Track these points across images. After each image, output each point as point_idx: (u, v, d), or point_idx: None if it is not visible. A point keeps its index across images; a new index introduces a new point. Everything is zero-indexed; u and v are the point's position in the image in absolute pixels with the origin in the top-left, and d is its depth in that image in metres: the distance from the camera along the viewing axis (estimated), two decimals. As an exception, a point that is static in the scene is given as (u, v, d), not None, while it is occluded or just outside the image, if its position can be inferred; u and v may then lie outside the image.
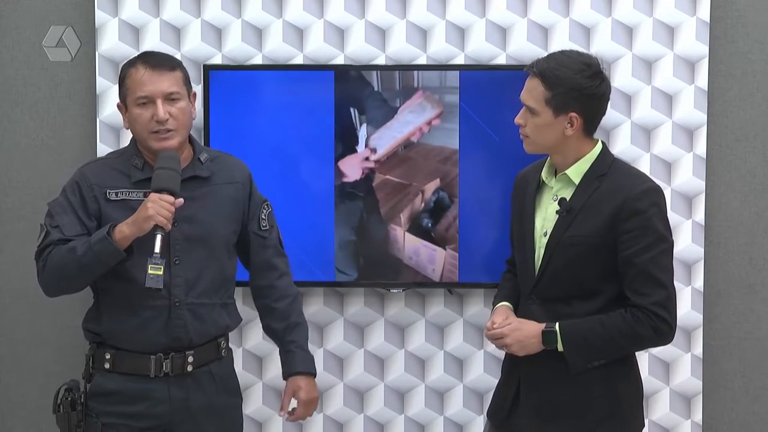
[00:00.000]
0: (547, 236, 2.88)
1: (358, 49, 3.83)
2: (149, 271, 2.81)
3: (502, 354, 2.98)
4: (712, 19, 3.80)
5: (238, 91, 3.78)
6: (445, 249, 3.77)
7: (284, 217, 3.56)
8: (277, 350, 3.88)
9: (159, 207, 2.83)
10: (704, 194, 3.83)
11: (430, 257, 3.78)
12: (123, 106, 3.01)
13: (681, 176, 3.82)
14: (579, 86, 2.79)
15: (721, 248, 3.90)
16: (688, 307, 3.83)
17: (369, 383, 3.92)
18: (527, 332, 2.87)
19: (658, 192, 2.84)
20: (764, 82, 3.86)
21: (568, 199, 2.86)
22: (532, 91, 2.83)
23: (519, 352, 2.88)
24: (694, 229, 3.83)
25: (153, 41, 3.83)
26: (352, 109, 3.74)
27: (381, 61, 3.83)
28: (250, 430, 3.87)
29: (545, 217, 2.91)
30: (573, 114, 2.81)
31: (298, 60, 3.84)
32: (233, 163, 3.18)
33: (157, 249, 2.82)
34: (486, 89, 3.76)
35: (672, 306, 2.81)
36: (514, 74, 3.61)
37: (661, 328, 2.80)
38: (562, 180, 2.89)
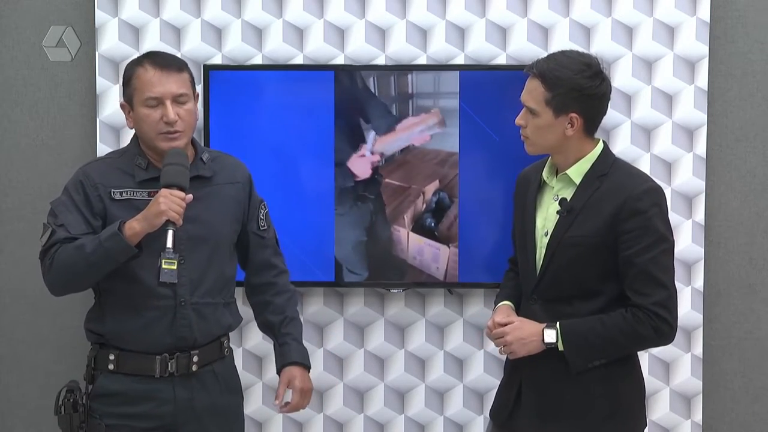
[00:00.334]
0: (548, 236, 2.88)
1: (358, 49, 3.83)
2: (163, 266, 2.80)
3: (502, 354, 2.98)
4: (712, 19, 3.80)
5: (238, 91, 3.78)
6: (449, 247, 3.77)
7: (284, 217, 3.57)
8: (277, 350, 3.88)
9: (170, 202, 2.83)
10: (704, 194, 3.83)
11: (434, 256, 3.78)
12: (127, 105, 3.00)
13: (681, 176, 3.82)
14: (579, 86, 2.79)
15: (721, 248, 3.90)
16: (688, 307, 3.83)
17: (369, 383, 3.92)
18: (528, 331, 2.87)
19: (658, 192, 2.85)
20: (764, 82, 3.86)
21: (568, 199, 2.86)
22: (533, 92, 2.83)
23: (520, 351, 2.88)
24: (694, 229, 3.83)
25: (153, 41, 3.83)
26: (360, 120, 3.74)
27: (381, 61, 3.83)
28: (250, 430, 3.87)
29: (546, 217, 2.91)
30: (573, 114, 2.81)
31: (298, 60, 3.84)
32: (234, 163, 3.19)
33: (169, 244, 2.81)
34: (486, 89, 3.76)
35: (673, 306, 2.81)
36: (514, 74, 3.61)
37: (662, 328, 2.80)
38: (562, 180, 2.89)
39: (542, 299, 2.90)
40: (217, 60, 3.84)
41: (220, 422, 3.08)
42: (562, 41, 3.79)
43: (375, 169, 3.77)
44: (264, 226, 3.19)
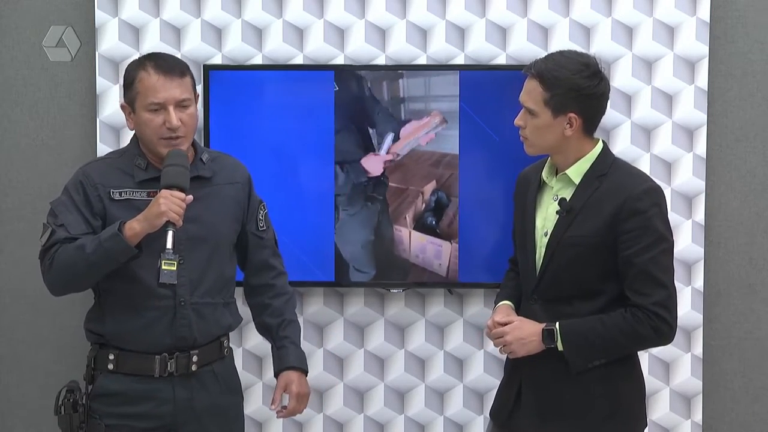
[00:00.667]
0: (548, 236, 2.88)
1: (358, 49, 3.83)
2: (163, 267, 2.80)
3: (502, 354, 2.98)
4: (712, 19, 3.80)
5: (238, 91, 3.78)
6: (451, 243, 3.78)
7: (284, 217, 3.57)
8: (276, 350, 3.88)
9: (171, 203, 2.83)
10: (704, 194, 3.83)
11: (437, 252, 3.79)
12: (128, 106, 3.00)
13: (681, 176, 3.82)
14: (577, 86, 2.79)
15: (721, 248, 3.90)
16: (688, 307, 3.83)
17: (369, 383, 3.92)
18: (528, 331, 2.87)
19: (658, 192, 2.85)
20: (764, 82, 3.86)
21: (568, 199, 2.86)
22: (531, 93, 2.83)
23: (519, 351, 2.88)
24: (694, 229, 3.83)
25: (153, 41, 3.83)
26: (365, 122, 3.76)
27: (381, 61, 3.83)
28: (250, 430, 3.87)
29: (546, 217, 2.91)
30: (572, 114, 2.81)
31: (298, 60, 3.84)
32: (233, 164, 3.19)
33: (169, 245, 2.81)
34: (486, 89, 3.76)
35: (672, 306, 2.81)
36: (514, 74, 3.59)
37: (661, 328, 2.80)
38: (562, 180, 2.89)
39: (542, 299, 2.90)
40: (217, 60, 3.84)
41: (220, 422, 3.08)
42: (562, 41, 3.79)
43: (384, 169, 3.78)
44: (263, 226, 3.19)
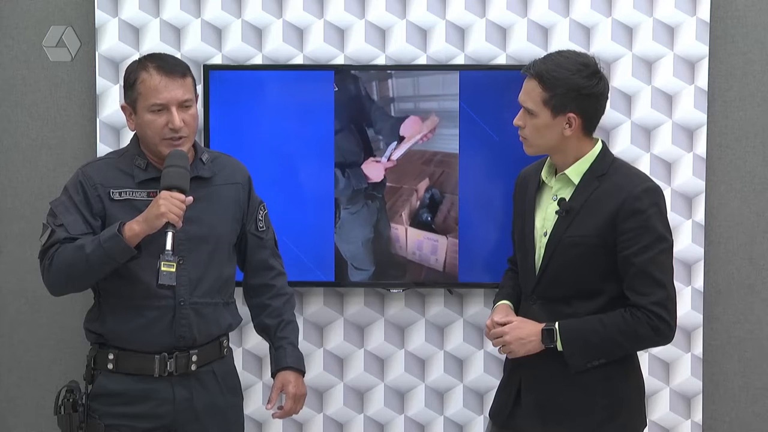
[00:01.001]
0: (547, 236, 2.88)
1: (358, 49, 3.83)
2: (162, 268, 2.79)
3: (502, 354, 2.98)
4: (712, 19, 3.80)
5: (238, 91, 3.78)
6: (447, 237, 3.78)
7: (284, 217, 3.57)
8: (277, 350, 3.88)
9: (171, 204, 2.83)
10: (704, 194, 3.83)
11: (433, 248, 3.79)
12: (129, 107, 3.00)
13: (681, 176, 3.82)
14: (577, 86, 2.79)
15: (721, 248, 3.90)
16: (688, 307, 3.83)
17: (369, 383, 3.92)
18: (527, 331, 2.87)
19: (657, 192, 2.84)
20: (764, 82, 3.86)
21: (567, 199, 2.86)
22: (530, 93, 2.83)
23: (518, 350, 2.88)
24: (694, 229, 3.83)
25: (153, 41, 3.83)
26: (364, 124, 3.76)
27: (381, 61, 3.83)
28: (250, 430, 3.87)
29: (545, 217, 2.91)
30: (571, 114, 2.81)
31: (298, 60, 3.84)
32: (233, 164, 3.19)
33: (168, 246, 2.81)
34: (486, 89, 3.76)
35: (671, 306, 2.81)
36: (514, 74, 3.59)
37: (661, 327, 2.80)
38: (561, 180, 2.89)
39: (542, 299, 2.90)
40: (217, 60, 3.84)
41: (220, 422, 3.08)
42: (562, 41, 3.79)
43: (385, 175, 3.79)
44: (262, 227, 3.19)
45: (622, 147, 3.79)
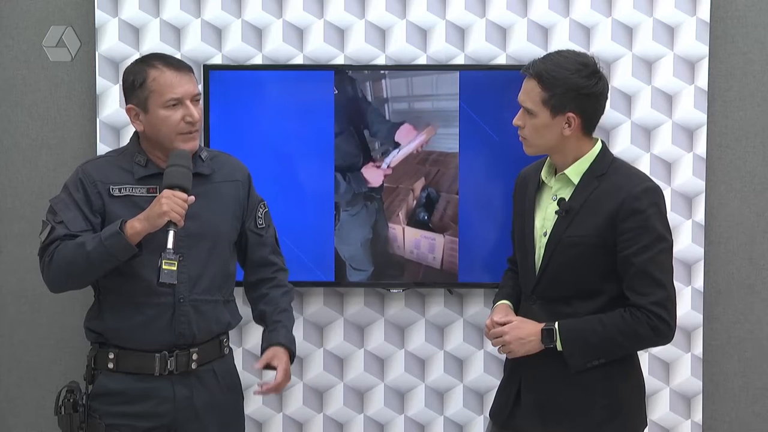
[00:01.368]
0: (547, 236, 2.88)
1: (358, 49, 3.83)
2: (163, 267, 2.80)
3: (502, 354, 2.98)
4: (712, 19, 3.80)
5: (238, 91, 3.78)
6: (444, 236, 3.78)
7: (284, 217, 3.57)
8: (277, 350, 3.87)
9: (173, 203, 2.84)
10: (704, 194, 3.83)
11: (430, 246, 3.79)
12: (136, 108, 2.98)
13: (681, 176, 3.82)
14: (576, 86, 2.79)
15: (721, 248, 3.90)
16: (688, 307, 3.83)
17: (369, 383, 3.92)
18: (527, 331, 2.87)
19: (657, 192, 2.84)
20: (764, 82, 3.86)
21: (567, 199, 2.86)
22: (530, 93, 2.83)
23: (518, 350, 2.88)
24: (694, 229, 3.83)
25: (153, 41, 3.84)
26: (362, 127, 3.77)
27: (381, 61, 3.83)
28: (250, 430, 3.87)
29: (545, 217, 2.91)
30: (570, 114, 2.81)
31: (298, 60, 3.84)
32: (233, 162, 3.20)
33: (170, 245, 2.82)
34: (486, 89, 3.76)
35: (671, 306, 2.81)
36: (514, 74, 3.59)
37: (660, 327, 2.80)
38: (561, 180, 2.89)
39: (541, 299, 2.90)
40: (217, 60, 3.84)
41: (220, 421, 3.08)
42: (562, 41, 3.79)
43: (384, 179, 3.80)
44: (262, 224, 3.19)
45: (622, 147, 3.79)
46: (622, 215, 2.79)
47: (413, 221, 3.80)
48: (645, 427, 2.96)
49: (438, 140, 3.77)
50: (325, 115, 3.78)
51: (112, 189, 2.98)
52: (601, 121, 2.89)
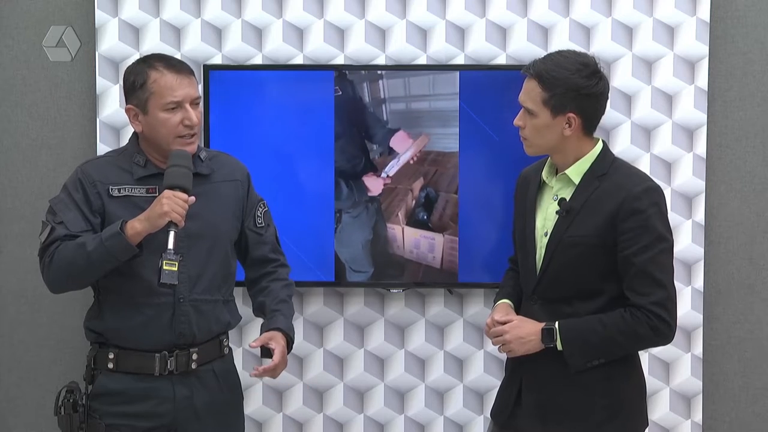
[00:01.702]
0: (548, 236, 2.88)
1: (358, 49, 3.83)
2: (164, 267, 2.80)
3: (502, 354, 2.98)
4: (712, 19, 3.80)
5: (238, 91, 3.78)
6: (443, 235, 3.78)
7: (284, 217, 3.57)
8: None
9: (173, 204, 2.84)
10: (704, 194, 3.83)
11: (430, 246, 3.80)
12: (135, 108, 2.98)
13: (681, 176, 3.82)
14: (576, 86, 2.79)
15: (721, 248, 3.90)
16: (688, 307, 3.83)
17: (369, 383, 3.92)
18: (527, 330, 2.87)
19: (657, 191, 2.84)
20: (764, 82, 3.86)
21: (567, 199, 2.86)
22: (530, 93, 2.83)
23: (518, 349, 2.88)
24: (694, 229, 3.83)
25: (153, 41, 3.83)
26: (362, 132, 3.77)
27: (381, 61, 3.83)
28: (250, 430, 3.87)
29: (546, 217, 2.91)
30: (571, 114, 2.81)
31: (298, 60, 3.84)
32: (232, 162, 3.20)
33: (171, 245, 2.82)
34: (486, 89, 3.76)
35: (671, 306, 2.81)
36: (514, 74, 3.59)
37: (660, 327, 2.80)
38: (562, 180, 2.89)
39: (542, 299, 2.90)
40: (217, 60, 3.84)
41: (220, 421, 3.08)
42: (562, 41, 3.79)
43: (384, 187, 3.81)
44: (261, 223, 3.19)
45: (622, 147, 3.79)
46: (622, 215, 2.79)
47: (412, 221, 3.80)
48: (646, 427, 2.96)
49: (436, 140, 3.77)
50: (325, 116, 3.78)
51: (112, 189, 2.98)
52: (601, 121, 2.89)
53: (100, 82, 3.86)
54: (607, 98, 2.87)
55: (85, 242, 2.88)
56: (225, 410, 3.10)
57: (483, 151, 3.77)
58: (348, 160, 3.79)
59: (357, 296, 3.90)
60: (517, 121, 2.88)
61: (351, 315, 3.91)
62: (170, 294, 2.97)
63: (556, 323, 2.84)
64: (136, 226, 2.86)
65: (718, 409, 3.94)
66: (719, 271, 3.90)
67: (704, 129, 3.82)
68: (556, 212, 2.87)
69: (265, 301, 3.17)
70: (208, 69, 3.78)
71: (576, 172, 2.87)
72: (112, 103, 3.85)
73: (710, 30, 3.80)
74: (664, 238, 2.82)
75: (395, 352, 3.91)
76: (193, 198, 2.89)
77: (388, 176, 3.79)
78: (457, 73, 3.77)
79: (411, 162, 3.77)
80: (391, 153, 3.78)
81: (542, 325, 2.85)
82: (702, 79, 3.80)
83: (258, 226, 3.18)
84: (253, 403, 3.90)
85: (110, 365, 3.00)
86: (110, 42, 3.85)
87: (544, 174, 2.94)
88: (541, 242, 2.90)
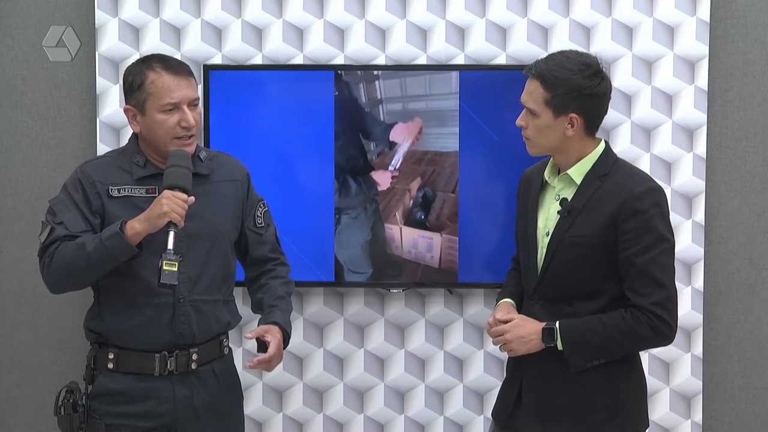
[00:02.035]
0: (549, 236, 2.88)
1: (358, 49, 3.83)
2: (164, 267, 2.80)
3: (502, 354, 2.98)
4: (712, 19, 3.80)
5: (238, 91, 3.78)
6: (441, 234, 3.78)
7: (284, 217, 3.57)
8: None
9: (173, 204, 2.84)
10: (704, 194, 3.83)
11: (428, 245, 3.79)
12: (133, 109, 2.98)
13: (681, 176, 3.82)
14: (578, 87, 2.79)
15: (721, 248, 3.90)
16: (688, 307, 3.83)
17: (369, 383, 3.92)
18: (528, 329, 2.87)
19: (659, 192, 2.84)
20: (764, 82, 3.86)
21: (569, 199, 2.86)
22: (532, 93, 2.83)
23: (519, 349, 2.88)
24: (694, 229, 3.83)
25: (153, 41, 3.83)
26: (360, 132, 3.77)
27: (381, 61, 3.83)
28: (250, 430, 3.87)
29: (547, 217, 2.91)
30: (573, 114, 2.81)
31: (298, 60, 3.84)
32: (232, 162, 3.20)
33: (170, 245, 2.82)
34: (486, 89, 3.76)
35: (672, 306, 2.81)
36: (514, 74, 3.61)
37: (660, 328, 2.80)
38: (564, 180, 2.89)
39: (543, 299, 2.90)
40: (217, 60, 3.84)
41: (220, 421, 3.08)
42: (562, 41, 3.79)
43: (392, 180, 3.81)
44: (261, 223, 3.20)
45: (622, 147, 3.79)
46: (623, 215, 2.79)
47: (410, 221, 3.80)
48: (647, 427, 2.96)
49: (434, 139, 3.77)
50: (325, 115, 3.77)
51: (111, 189, 2.99)
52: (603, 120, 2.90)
53: (100, 82, 3.85)
54: (610, 98, 2.87)
55: (84, 242, 2.88)
56: (225, 410, 3.11)
57: (483, 151, 3.77)
58: (348, 159, 3.79)
59: (357, 296, 3.90)
60: (520, 121, 2.89)
61: (351, 315, 3.91)
62: (170, 294, 2.97)
63: (557, 323, 2.84)
64: (136, 227, 2.86)
65: (718, 409, 3.94)
66: (719, 271, 3.90)
67: (704, 129, 3.82)
68: (558, 212, 2.87)
69: (263, 298, 3.16)
70: (208, 69, 3.77)
71: (578, 172, 2.87)
72: (112, 103, 3.85)
73: (710, 30, 3.80)
74: (666, 239, 2.82)
75: (395, 352, 3.91)
76: (192, 198, 2.89)
77: (395, 168, 3.78)
78: (457, 73, 3.77)
79: (414, 143, 3.75)
80: (393, 147, 3.77)
81: (543, 324, 2.85)
82: (702, 79, 3.80)
83: (258, 226, 3.19)
84: (253, 403, 3.90)
85: (110, 365, 3.00)
86: (110, 42, 3.85)
87: (546, 174, 2.94)
88: (543, 242, 2.90)
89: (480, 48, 3.83)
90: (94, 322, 3.04)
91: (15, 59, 3.94)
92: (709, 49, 3.81)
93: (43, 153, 3.94)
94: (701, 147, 3.82)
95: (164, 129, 2.95)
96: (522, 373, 2.94)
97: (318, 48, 3.84)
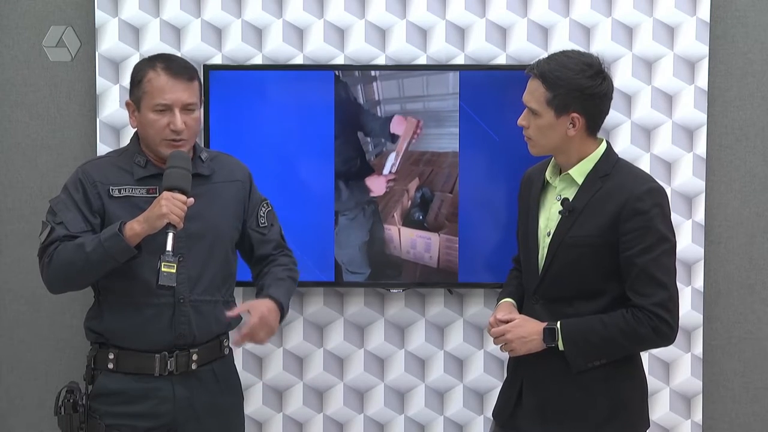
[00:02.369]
0: (551, 236, 2.88)
1: (358, 49, 3.83)
2: (162, 269, 2.80)
3: (502, 354, 2.98)
4: (712, 19, 3.80)
5: (238, 91, 3.78)
6: (439, 234, 3.78)
7: (284, 217, 3.56)
8: (276, 350, 3.89)
9: (172, 205, 2.84)
10: (704, 194, 3.83)
11: (426, 246, 3.79)
12: (133, 104, 3.00)
13: (681, 176, 3.82)
14: (580, 86, 2.79)
15: (721, 248, 3.90)
16: (688, 307, 3.83)
17: (369, 383, 3.92)
18: (529, 329, 2.87)
19: (660, 193, 2.84)
20: (764, 82, 3.86)
21: (570, 199, 2.86)
22: (534, 93, 2.83)
23: (520, 349, 2.88)
24: (694, 229, 3.83)
25: (153, 41, 3.83)
26: (359, 132, 3.77)
27: (381, 61, 3.83)
28: (250, 430, 3.87)
29: (549, 217, 2.91)
30: (575, 114, 2.81)
31: (298, 60, 3.84)
32: (233, 163, 3.20)
33: (169, 247, 2.82)
34: (486, 89, 3.76)
35: (673, 307, 2.81)
36: (514, 74, 3.62)
37: (661, 328, 2.80)
38: (565, 180, 2.89)
39: (544, 299, 2.90)
40: (217, 60, 3.84)
41: (220, 421, 3.08)
42: (562, 41, 3.79)
43: (387, 186, 3.80)
44: (264, 223, 3.19)
45: (622, 147, 3.79)
46: (625, 216, 2.79)
47: (408, 221, 3.80)
48: (647, 427, 2.96)
49: (432, 139, 3.77)
50: (325, 115, 3.77)
51: (112, 190, 2.99)
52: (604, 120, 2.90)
53: (100, 82, 3.85)
54: (612, 98, 2.87)
55: (84, 243, 2.88)
56: (225, 411, 3.11)
57: (483, 151, 3.77)
58: (348, 160, 3.79)
59: (357, 296, 3.90)
60: (521, 120, 2.88)
61: (351, 315, 3.91)
62: (170, 294, 2.97)
63: (558, 323, 2.84)
64: (135, 228, 2.86)
65: (718, 409, 3.94)
66: (719, 271, 3.90)
67: (704, 129, 3.82)
68: (559, 212, 2.87)
69: (264, 283, 3.14)
70: (208, 69, 3.77)
71: (579, 172, 2.87)
72: (112, 103, 3.85)
73: (710, 30, 3.80)
74: (667, 239, 2.82)
75: (395, 352, 3.91)
76: (191, 199, 2.89)
77: (390, 171, 3.78)
78: (457, 73, 3.76)
79: (413, 140, 3.75)
80: (394, 141, 3.76)
81: (544, 324, 2.85)
82: (702, 79, 3.80)
83: (261, 225, 3.18)
84: (253, 403, 3.90)
85: (110, 365, 3.00)
86: (110, 42, 3.85)
87: (548, 174, 2.94)
88: (544, 242, 2.90)
89: (480, 48, 3.83)
90: (94, 322, 3.04)
91: (15, 59, 3.94)
92: (709, 49, 3.81)
93: (43, 153, 3.94)
94: (701, 147, 3.82)
95: (154, 129, 2.95)
96: (523, 373, 2.94)
97: (318, 48, 3.84)
